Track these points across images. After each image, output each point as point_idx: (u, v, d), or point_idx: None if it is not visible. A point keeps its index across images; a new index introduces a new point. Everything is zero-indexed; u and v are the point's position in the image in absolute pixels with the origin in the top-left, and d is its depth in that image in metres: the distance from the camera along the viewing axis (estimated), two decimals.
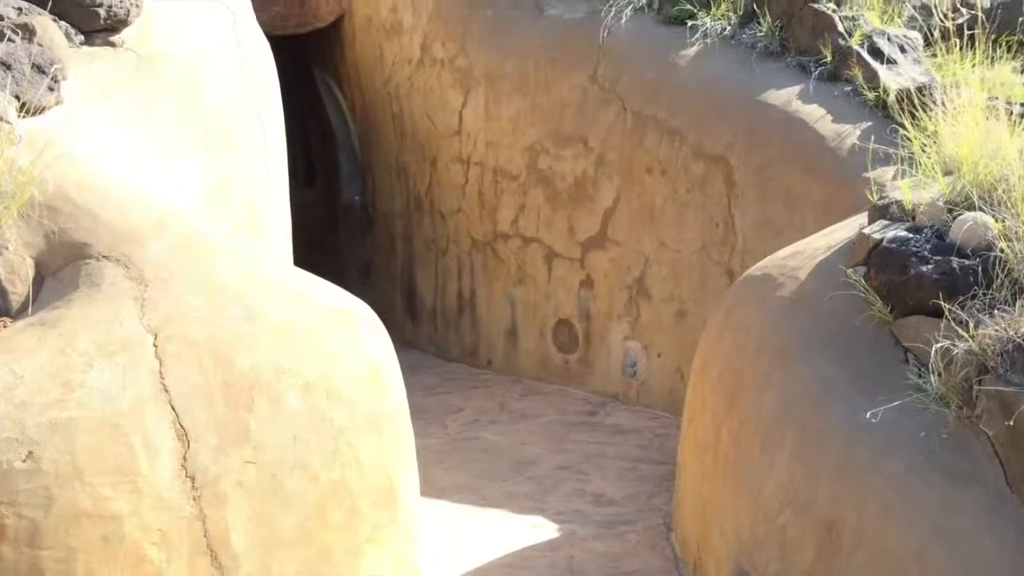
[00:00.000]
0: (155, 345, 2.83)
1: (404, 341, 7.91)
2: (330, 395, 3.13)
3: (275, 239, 4.86)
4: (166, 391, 2.78)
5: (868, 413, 2.79)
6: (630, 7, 6.25)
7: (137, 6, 4.44)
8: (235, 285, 3.15)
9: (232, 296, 3.10)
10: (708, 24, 6.02)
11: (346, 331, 3.32)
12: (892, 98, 5.31)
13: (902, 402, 2.86)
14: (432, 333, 7.64)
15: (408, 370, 7.20)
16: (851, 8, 5.95)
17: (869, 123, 5.33)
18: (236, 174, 4.54)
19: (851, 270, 3.48)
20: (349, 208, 8.86)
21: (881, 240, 3.45)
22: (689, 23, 6.04)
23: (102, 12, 4.26)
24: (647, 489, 4.86)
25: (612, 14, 6.23)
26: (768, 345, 3.47)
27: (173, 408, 2.77)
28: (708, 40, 5.98)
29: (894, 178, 4.97)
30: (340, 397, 3.16)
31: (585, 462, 5.20)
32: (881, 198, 3.80)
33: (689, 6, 6.05)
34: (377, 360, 3.38)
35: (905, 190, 3.70)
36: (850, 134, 5.32)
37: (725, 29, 6.02)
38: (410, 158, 7.57)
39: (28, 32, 3.80)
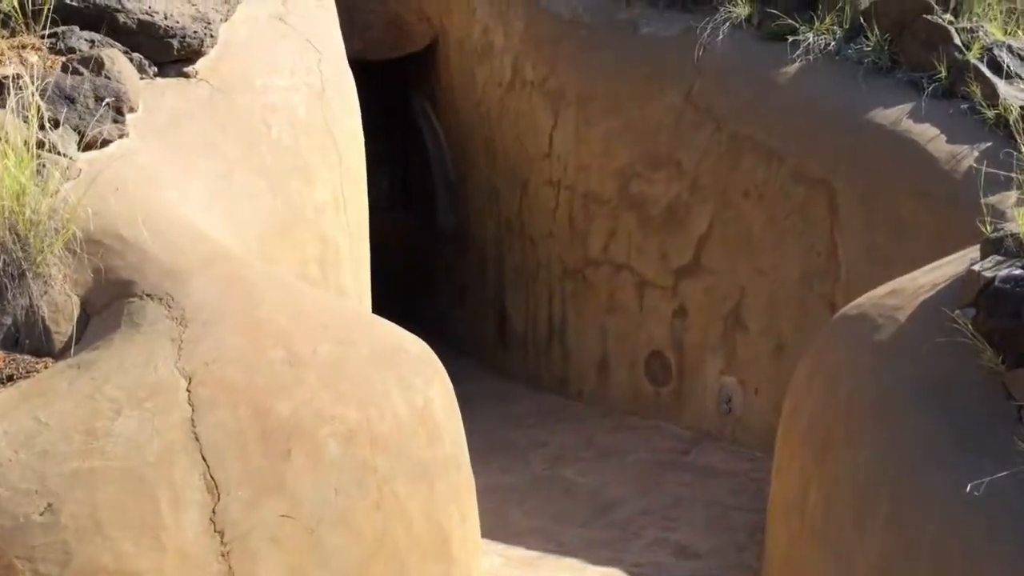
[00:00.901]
0: (188, 390, 2.70)
1: (496, 369, 7.75)
2: (374, 443, 2.94)
3: (349, 271, 4.74)
4: (197, 440, 2.64)
5: (969, 486, 2.42)
6: (727, 23, 5.94)
7: (212, 35, 4.40)
8: (280, 325, 3.01)
9: (276, 337, 2.96)
10: (811, 39, 5.65)
11: (396, 372, 3.13)
12: (1015, 116, 4.83)
13: (1014, 471, 2.48)
14: (523, 361, 7.43)
15: (498, 399, 7.09)
16: (969, 19, 5.48)
17: (988, 144, 4.87)
18: (306, 207, 4.43)
19: (958, 312, 3.10)
20: (444, 232, 8.77)
21: (993, 279, 3.06)
22: (790, 39, 5.69)
23: (175, 43, 4.23)
24: (737, 541, 4.51)
25: (708, 31, 5.92)
26: (862, 395, 3.11)
27: (204, 458, 2.63)
28: (810, 56, 5.61)
29: (1015, 206, 4.51)
30: (386, 444, 2.97)
31: (672, 507, 4.88)
32: (995, 230, 3.39)
33: (791, 21, 5.69)
34: (429, 403, 3.18)
35: (1022, 221, 3.29)
36: (967, 156, 4.87)
37: (829, 44, 5.63)
38: (501, 182, 7.41)
39: (96, 65, 3.77)
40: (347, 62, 5.17)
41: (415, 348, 3.31)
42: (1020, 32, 5.47)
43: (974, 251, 3.57)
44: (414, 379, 3.19)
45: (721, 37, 5.88)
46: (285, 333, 2.98)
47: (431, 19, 7.94)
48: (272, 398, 2.80)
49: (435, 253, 9.03)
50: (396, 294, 9.80)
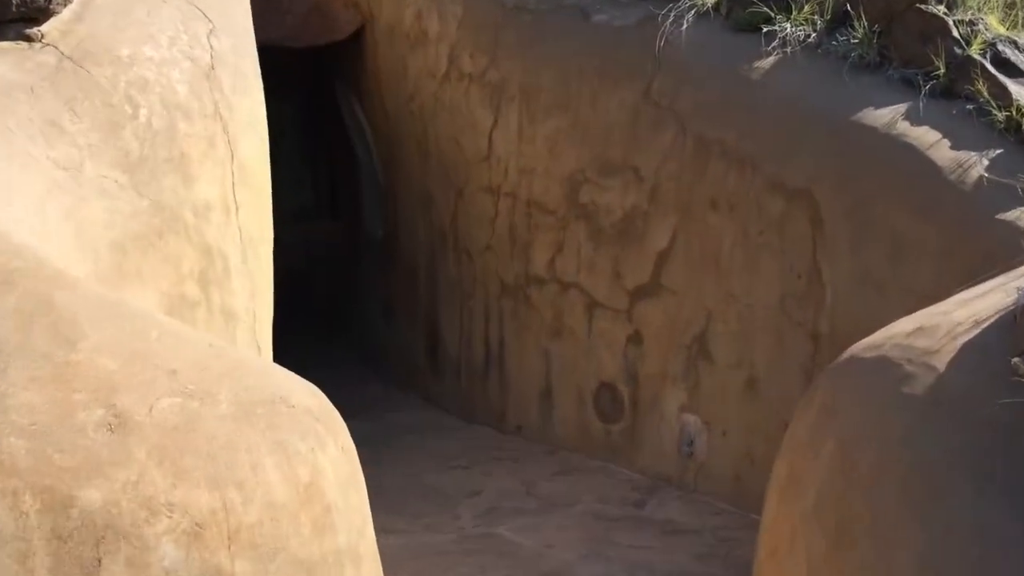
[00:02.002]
0: None
1: (426, 396, 6.92)
2: (235, 540, 2.09)
3: (241, 289, 3.87)
4: None
5: None
6: (693, 11, 5.20)
7: None
8: (103, 372, 2.14)
9: (93, 390, 2.09)
10: (788, 30, 4.94)
11: (271, 435, 2.29)
12: None
13: None
14: (455, 389, 6.61)
15: (426, 433, 6.23)
16: (964, 11, 4.82)
17: (999, 150, 4.19)
18: (184, 209, 3.56)
19: (1016, 360, 2.37)
20: (371, 241, 7.91)
21: None
22: (764, 29, 4.97)
23: None
24: None
25: (671, 20, 5.18)
26: (895, 469, 2.35)
27: None
28: (788, 49, 4.90)
29: None
30: (252, 541, 2.12)
31: None
32: None
33: (764, 9, 4.97)
34: (318, 476, 2.34)
35: None
36: (975, 164, 4.18)
37: (809, 36, 4.93)
38: (434, 186, 6.58)
39: None
40: (252, 40, 4.31)
41: (302, 399, 2.47)
42: (1021, 27, 4.84)
43: (1018, 279, 2.85)
44: (298, 443, 2.35)
45: (685, 27, 5.14)
46: (109, 384, 2.12)
47: (358, 3, 7.09)
48: (76, 482, 1.93)
49: (362, 265, 8.16)
50: (320, 310, 8.93)
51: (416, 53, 6.50)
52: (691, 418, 5.07)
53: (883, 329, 2.96)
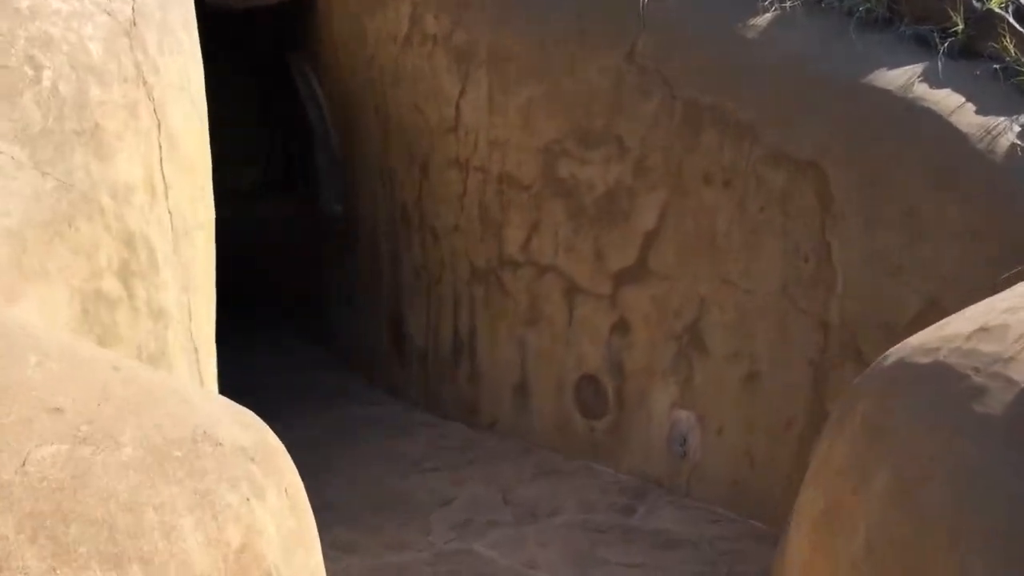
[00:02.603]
0: None
1: (391, 389, 6.40)
2: None
3: (173, 283, 3.32)
4: None
5: None
6: None
7: None
8: None
9: None
10: None
11: (191, 485, 1.78)
12: None
13: None
14: (423, 381, 6.10)
15: (392, 430, 5.70)
16: None
17: None
18: (99, 191, 3.00)
19: None
20: (328, 221, 7.36)
21: None
22: None
23: None
24: None
25: None
26: (980, 518, 1.89)
27: None
28: (786, 4, 4.43)
29: None
30: None
31: None
32: None
33: None
34: (255, 536, 1.84)
35: None
36: (1004, 130, 3.74)
37: None
38: (396, 160, 6.04)
39: None
40: None
41: (233, 433, 1.95)
42: None
43: None
44: (227, 494, 1.84)
45: None
46: None
47: None
48: None
49: (319, 243, 7.61)
50: (274, 293, 8.37)
51: (375, 13, 5.93)
52: (683, 414, 4.61)
53: (934, 327, 2.51)
